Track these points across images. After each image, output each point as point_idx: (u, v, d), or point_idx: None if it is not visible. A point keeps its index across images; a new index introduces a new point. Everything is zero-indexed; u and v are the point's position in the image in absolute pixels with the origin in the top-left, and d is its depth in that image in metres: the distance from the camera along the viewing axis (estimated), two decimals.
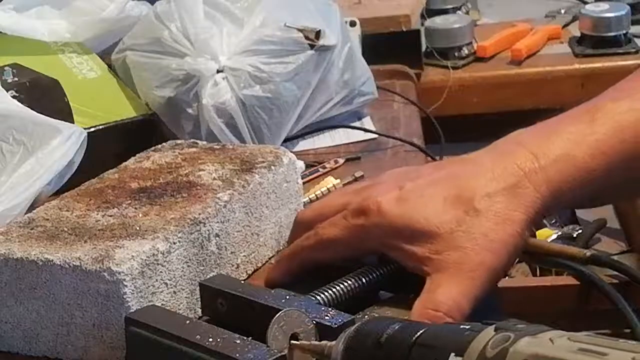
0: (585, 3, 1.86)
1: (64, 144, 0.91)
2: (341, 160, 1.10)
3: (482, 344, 0.49)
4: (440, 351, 0.50)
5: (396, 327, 0.55)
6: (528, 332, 0.48)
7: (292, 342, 0.61)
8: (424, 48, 1.65)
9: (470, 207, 0.69)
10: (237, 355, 0.60)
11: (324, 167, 1.08)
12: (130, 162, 0.87)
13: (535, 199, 0.70)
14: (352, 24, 1.40)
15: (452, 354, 0.50)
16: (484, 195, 0.70)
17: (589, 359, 0.43)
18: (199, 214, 0.75)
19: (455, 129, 1.37)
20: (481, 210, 0.69)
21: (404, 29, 1.52)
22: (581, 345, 0.45)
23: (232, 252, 0.79)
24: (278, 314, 0.62)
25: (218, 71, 1.06)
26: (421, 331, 0.53)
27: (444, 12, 1.78)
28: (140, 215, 0.76)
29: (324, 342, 0.59)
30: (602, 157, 0.71)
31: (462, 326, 0.52)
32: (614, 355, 0.42)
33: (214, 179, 0.81)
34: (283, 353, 0.60)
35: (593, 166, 0.71)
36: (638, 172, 0.73)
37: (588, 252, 0.86)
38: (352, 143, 1.16)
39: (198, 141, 0.92)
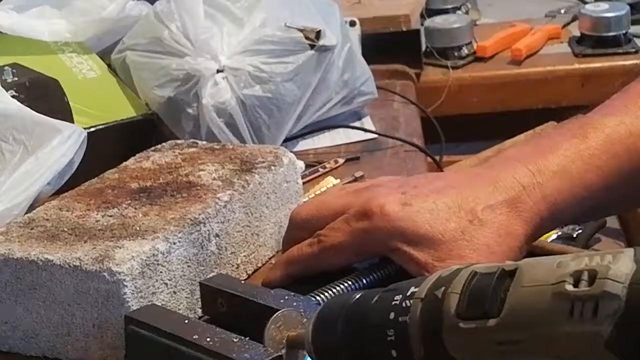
0: (585, 3, 1.87)
1: (64, 144, 0.91)
2: (341, 160, 1.10)
3: (439, 273, 0.52)
4: (403, 289, 0.53)
5: (358, 295, 0.56)
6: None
7: (289, 334, 0.61)
8: (423, 48, 1.65)
9: (475, 217, 0.69)
10: (234, 355, 0.60)
11: (324, 167, 1.08)
12: (130, 162, 0.87)
13: (534, 215, 0.70)
14: (352, 23, 1.40)
15: (412, 287, 0.52)
16: (486, 206, 0.69)
17: (527, 261, 0.48)
18: (199, 214, 0.76)
19: (455, 129, 1.37)
20: (485, 221, 0.69)
21: (404, 29, 1.52)
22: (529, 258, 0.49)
23: (232, 252, 0.79)
24: (275, 314, 0.62)
25: (218, 71, 1.06)
26: (385, 288, 0.55)
27: (444, 12, 1.78)
28: (140, 215, 0.76)
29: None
30: (597, 171, 0.71)
31: None
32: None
33: (214, 179, 0.82)
34: (279, 353, 0.60)
35: (589, 181, 0.71)
36: (634, 185, 0.73)
37: None
38: (352, 143, 1.16)
39: (198, 141, 0.92)
